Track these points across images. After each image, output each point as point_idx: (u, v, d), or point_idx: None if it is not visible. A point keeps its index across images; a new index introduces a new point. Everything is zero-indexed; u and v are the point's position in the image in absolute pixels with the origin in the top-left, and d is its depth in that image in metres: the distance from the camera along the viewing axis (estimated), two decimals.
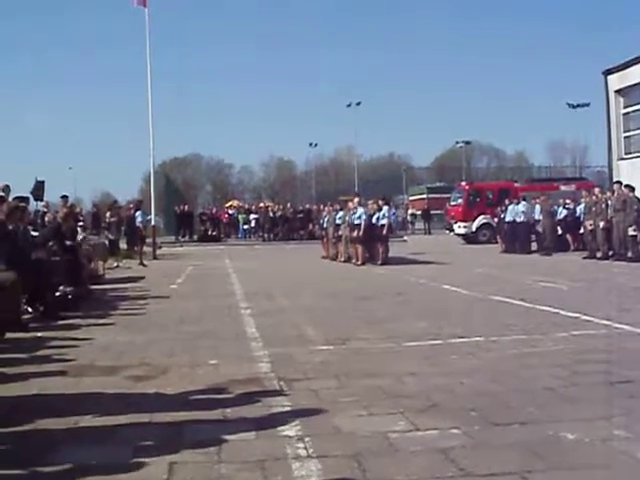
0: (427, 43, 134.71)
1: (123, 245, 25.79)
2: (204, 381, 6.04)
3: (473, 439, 4.33)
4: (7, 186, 13.62)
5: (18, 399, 5.63)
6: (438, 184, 73.57)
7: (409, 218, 58.26)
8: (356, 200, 22.24)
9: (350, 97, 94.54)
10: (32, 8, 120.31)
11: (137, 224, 25.06)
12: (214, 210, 53.14)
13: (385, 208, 21.36)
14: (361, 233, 20.80)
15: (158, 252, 27.64)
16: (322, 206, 34.70)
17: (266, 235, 43.61)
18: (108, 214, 25.16)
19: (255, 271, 20.32)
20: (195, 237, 43.53)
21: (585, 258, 21.34)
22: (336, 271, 19.69)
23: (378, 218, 20.99)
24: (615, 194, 21.26)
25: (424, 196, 68.69)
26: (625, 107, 29.62)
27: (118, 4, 26.24)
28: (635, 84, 28.32)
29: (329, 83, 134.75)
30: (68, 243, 12.69)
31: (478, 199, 35.56)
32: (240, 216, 49.20)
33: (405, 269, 18.99)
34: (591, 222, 21.72)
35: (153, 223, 28.25)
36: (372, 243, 21.19)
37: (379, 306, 11.26)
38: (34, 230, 13.40)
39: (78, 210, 23.00)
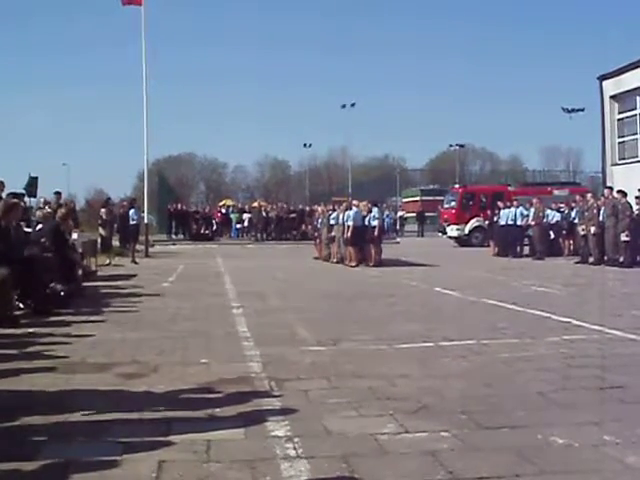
0: (423, 46, 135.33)
1: (116, 242, 25.74)
2: (195, 380, 6.03)
3: (463, 442, 4.34)
4: (1, 182, 13.59)
5: (8, 395, 5.61)
6: (432, 187, 73.74)
7: (399, 220, 58.23)
8: (354, 202, 22.35)
9: (345, 98, 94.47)
10: (29, 7, 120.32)
11: (131, 222, 25.04)
12: (207, 209, 53.14)
13: (375, 210, 21.40)
14: (349, 235, 20.86)
15: (151, 250, 27.61)
16: (314, 206, 34.73)
17: (259, 235, 43.54)
18: (103, 211, 25.11)
19: (247, 270, 20.30)
20: (188, 236, 43.46)
21: (577, 263, 21.39)
22: (329, 272, 19.70)
23: (369, 220, 21.02)
24: (603, 199, 21.36)
25: (418, 198, 68.83)
26: (620, 113, 29.73)
27: (113, 2, 26.22)
28: (630, 90, 28.43)
29: (324, 84, 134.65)
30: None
31: (471, 202, 35.61)
32: (233, 215, 49.16)
33: (398, 271, 19.00)
34: (583, 227, 21.78)
35: (146, 221, 28.19)
36: (364, 245, 21.22)
37: (371, 307, 11.27)
38: (27, 226, 13.37)
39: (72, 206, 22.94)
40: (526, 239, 26.51)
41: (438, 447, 4.24)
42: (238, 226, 47.87)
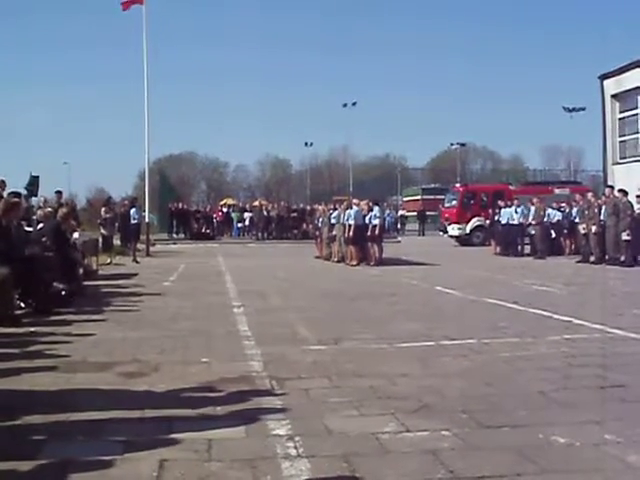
0: (423, 45, 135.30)
1: (117, 242, 25.72)
2: (195, 379, 6.03)
3: (464, 441, 4.33)
4: (2, 181, 13.60)
5: (9, 394, 5.61)
6: (433, 185, 73.63)
7: (399, 219, 58.17)
8: (355, 201, 22.34)
9: (346, 97, 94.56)
10: (30, 5, 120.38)
11: (132, 221, 25.01)
12: (208, 208, 53.14)
13: (376, 209, 21.37)
14: (351, 234, 20.85)
15: (152, 249, 27.60)
16: (316, 205, 34.72)
17: (260, 234, 43.52)
18: (103, 210, 25.10)
19: (248, 270, 20.30)
20: (189, 235, 43.45)
21: (578, 262, 21.38)
22: (329, 271, 19.70)
23: (370, 219, 21.00)
24: (604, 198, 21.35)
25: (418, 197, 68.77)
26: (621, 112, 29.71)
27: (115, 1, 26.27)
28: (631, 89, 28.40)
29: (325, 83, 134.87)
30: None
31: (472, 201, 35.53)
32: (234, 214, 49.15)
33: (398, 270, 19.00)
34: (584, 226, 21.76)
35: (147, 220, 28.18)
36: (365, 243, 21.20)
37: (372, 307, 11.27)
38: (28, 225, 13.37)
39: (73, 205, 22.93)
40: (527, 238, 26.49)
41: (439, 446, 4.24)
42: (239, 225, 47.88)
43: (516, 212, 26.03)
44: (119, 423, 4.76)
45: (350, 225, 20.88)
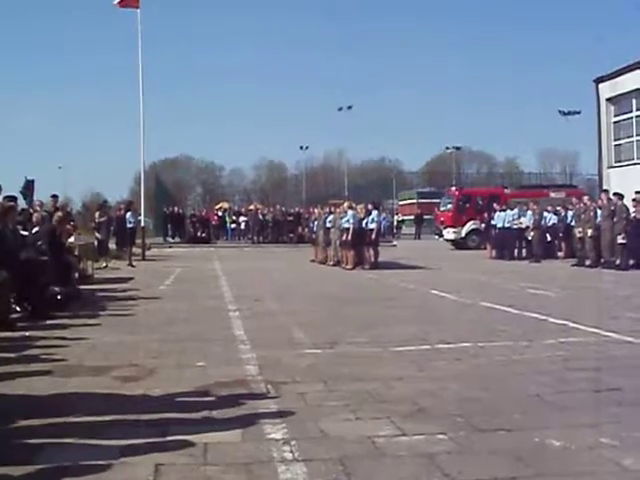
0: (419, 48, 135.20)
1: (112, 246, 25.70)
2: (191, 383, 6.03)
3: (459, 445, 4.34)
4: None
5: (4, 398, 5.60)
6: (428, 189, 73.67)
7: (395, 223, 58.17)
8: (346, 204, 22.29)
9: (341, 101, 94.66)
10: (26, 8, 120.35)
11: (128, 225, 24.99)
12: (204, 212, 53.11)
13: (374, 212, 21.37)
14: (349, 237, 20.83)
15: (147, 253, 27.58)
16: (311, 209, 34.72)
17: (255, 237, 43.50)
18: (97, 214, 25.07)
19: (244, 273, 20.28)
20: (184, 238, 43.42)
21: (574, 265, 21.40)
22: (325, 275, 19.69)
23: (367, 222, 20.99)
24: (600, 202, 21.37)
25: (414, 201, 68.80)
26: (616, 115, 29.81)
27: (110, 5, 26.33)
28: (626, 92, 28.51)
29: (321, 87, 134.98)
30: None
31: (468, 205, 35.54)
32: (226, 215, 48.96)
33: (394, 274, 18.99)
34: (580, 229, 21.79)
35: (143, 224, 28.16)
36: (361, 247, 21.20)
37: (367, 310, 11.26)
38: (23, 229, 13.34)
39: (69, 209, 22.91)
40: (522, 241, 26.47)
41: (435, 450, 4.24)
42: (232, 226, 47.71)
43: (519, 216, 25.91)
44: (115, 427, 4.75)
45: (346, 229, 20.86)
